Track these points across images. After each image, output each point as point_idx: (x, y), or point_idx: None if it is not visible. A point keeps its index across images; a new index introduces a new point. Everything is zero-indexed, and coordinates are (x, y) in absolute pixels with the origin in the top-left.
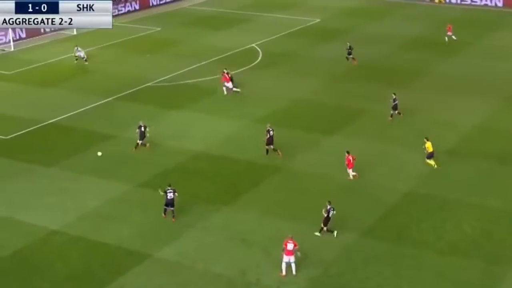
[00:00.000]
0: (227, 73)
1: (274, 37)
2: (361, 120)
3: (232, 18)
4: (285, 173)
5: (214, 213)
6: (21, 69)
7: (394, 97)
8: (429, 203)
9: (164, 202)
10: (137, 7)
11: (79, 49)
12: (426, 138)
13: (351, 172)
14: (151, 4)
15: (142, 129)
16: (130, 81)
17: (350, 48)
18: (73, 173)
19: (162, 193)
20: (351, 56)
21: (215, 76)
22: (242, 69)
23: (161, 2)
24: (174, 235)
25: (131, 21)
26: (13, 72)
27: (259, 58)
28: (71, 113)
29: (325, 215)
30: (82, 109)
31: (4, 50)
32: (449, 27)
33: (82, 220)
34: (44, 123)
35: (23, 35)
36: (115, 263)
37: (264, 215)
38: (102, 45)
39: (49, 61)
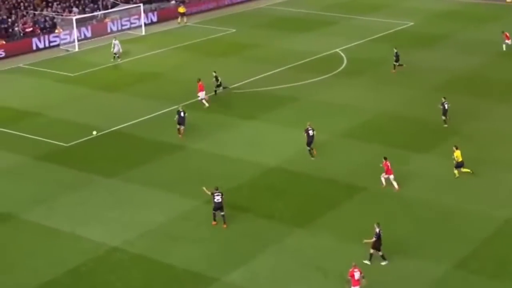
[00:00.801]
0: (215, 79)
1: (360, 41)
2: (455, 139)
3: (314, 19)
4: (367, 194)
5: (287, 236)
6: (85, 71)
7: (443, 101)
8: None
9: (212, 206)
10: (210, 7)
11: (116, 42)
12: (455, 146)
13: (391, 179)
14: (225, 4)
15: (182, 114)
16: (192, 87)
17: (397, 55)
18: (136, 185)
19: (208, 193)
20: (398, 63)
21: (292, 84)
22: (323, 76)
23: (237, 1)
24: (243, 258)
25: (204, 21)
26: (76, 74)
27: (343, 65)
28: (136, 121)
29: (375, 238)
30: (148, 117)
31: (68, 50)
32: (506, 35)
33: (144, 238)
34: (107, 131)
35: (88, 34)
36: (179, 286)
37: (342, 240)
38: (171, 47)
39: (114, 64)
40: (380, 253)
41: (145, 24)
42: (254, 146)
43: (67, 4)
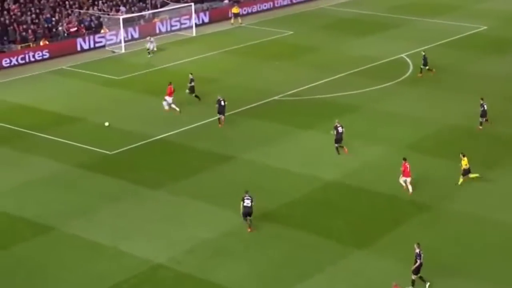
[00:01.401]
0: (192, 82)
1: (428, 46)
2: None
3: (379, 22)
4: (434, 213)
5: (346, 256)
6: (131, 74)
7: (481, 102)
8: None
9: (241, 212)
10: (266, 7)
11: (151, 39)
12: (462, 153)
13: (407, 182)
14: (282, 4)
15: (222, 103)
16: (253, 94)
17: (425, 58)
18: (183, 198)
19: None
20: (426, 67)
21: (353, 92)
22: (387, 83)
23: (295, 1)
24: (297, 278)
25: (259, 22)
26: (122, 77)
27: (409, 71)
28: (183, 128)
29: (418, 262)
30: (196, 124)
31: (114, 52)
32: None
33: (191, 255)
34: (153, 139)
35: (136, 35)
36: None
37: (406, 263)
38: (223, 50)
39: (162, 67)
40: (419, 275)
41: (196, 25)
42: (310, 158)
43: (114, 2)
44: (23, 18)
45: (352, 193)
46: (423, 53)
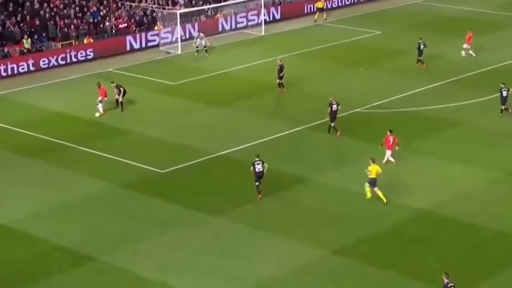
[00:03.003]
0: (117, 87)
1: None
2: None
3: (485, 21)
4: None
5: None
6: (188, 79)
7: (502, 87)
8: None
9: (254, 178)
10: (350, 1)
11: (201, 35)
12: (372, 159)
13: (389, 155)
14: None
15: (334, 107)
16: (327, 105)
17: (420, 47)
18: (245, 226)
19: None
20: (420, 57)
21: (452, 104)
22: (492, 96)
23: None
24: None
25: (341, 20)
26: (178, 82)
27: None
28: (248, 144)
29: None
30: (261, 140)
31: (169, 53)
32: (469, 36)
33: None
34: (212, 155)
35: (195, 33)
36: None
37: None
38: (297, 52)
39: (225, 71)
40: None
41: (266, 22)
42: (398, 183)
43: None
44: (65, 11)
45: (446, 226)
46: (420, 41)
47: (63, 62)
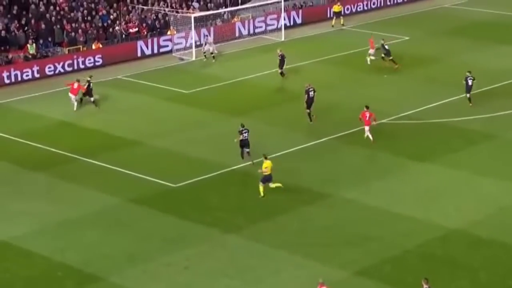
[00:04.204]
0: (88, 83)
1: None
2: None
3: None
4: None
5: None
6: (203, 88)
7: (467, 75)
8: None
9: (239, 144)
10: (376, 5)
11: (209, 39)
12: (264, 155)
13: (367, 130)
14: (395, 1)
15: (311, 93)
16: (355, 115)
17: (383, 46)
18: (262, 246)
19: (237, 139)
20: (389, 57)
21: (486, 115)
22: None
23: None
24: None
25: (364, 25)
26: (192, 91)
27: None
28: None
29: None
30: (280, 153)
31: (182, 59)
32: (371, 42)
33: None
34: (227, 169)
35: (210, 38)
36: None
37: None
38: (319, 59)
39: (241, 79)
40: None
41: (286, 27)
42: (426, 199)
43: None
44: (72, 14)
45: (480, 246)
46: (382, 42)
47: (70, 69)
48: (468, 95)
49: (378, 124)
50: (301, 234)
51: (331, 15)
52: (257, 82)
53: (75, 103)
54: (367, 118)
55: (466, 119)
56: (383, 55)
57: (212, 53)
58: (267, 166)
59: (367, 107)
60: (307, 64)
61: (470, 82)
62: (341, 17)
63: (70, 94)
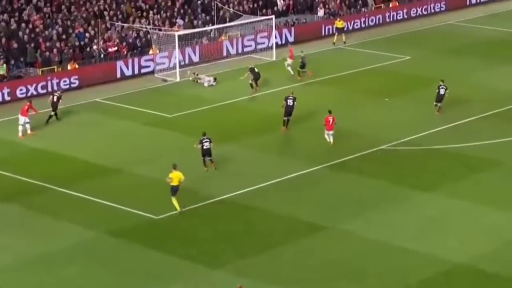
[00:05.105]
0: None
1: None
2: None
3: None
4: None
5: None
6: (188, 111)
7: (440, 84)
8: None
9: (201, 153)
10: (374, 22)
11: (200, 76)
12: (174, 165)
13: (329, 135)
14: (396, 18)
15: (291, 102)
16: (354, 140)
17: (303, 61)
18: (255, 282)
19: (197, 146)
20: (304, 70)
21: (493, 141)
22: None
23: (414, 15)
24: None
25: (364, 43)
26: (176, 114)
27: None
28: (255, 187)
29: None
30: (271, 182)
31: (165, 81)
32: (290, 50)
33: None
34: (214, 199)
35: (196, 58)
36: None
37: None
38: (313, 80)
39: (229, 101)
40: None
41: (277, 46)
42: (430, 231)
43: (170, 13)
44: (47, 32)
45: (487, 282)
46: (302, 54)
47: (44, 91)
48: (438, 104)
49: (378, 150)
50: (296, 268)
51: (327, 32)
52: (246, 105)
53: (21, 127)
54: (330, 123)
55: (471, 145)
56: (299, 68)
57: (205, 84)
58: (171, 177)
59: (330, 112)
60: (300, 86)
61: (442, 91)
62: (343, 34)
63: (19, 116)
